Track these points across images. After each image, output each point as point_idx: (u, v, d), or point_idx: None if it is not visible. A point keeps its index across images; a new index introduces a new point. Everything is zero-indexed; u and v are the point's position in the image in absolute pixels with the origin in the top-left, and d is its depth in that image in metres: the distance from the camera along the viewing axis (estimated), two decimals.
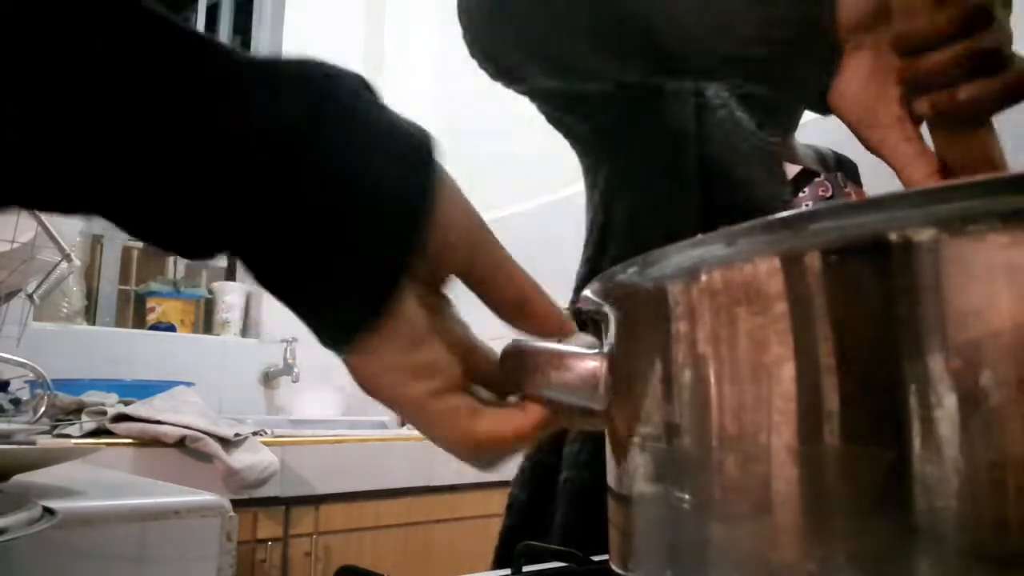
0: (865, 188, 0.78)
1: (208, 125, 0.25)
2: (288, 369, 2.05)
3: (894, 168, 0.41)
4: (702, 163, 0.67)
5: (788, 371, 0.21)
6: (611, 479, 0.29)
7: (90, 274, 2.05)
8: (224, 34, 2.46)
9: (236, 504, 0.81)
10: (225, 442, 1.32)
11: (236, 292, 2.14)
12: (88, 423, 1.36)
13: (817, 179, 0.74)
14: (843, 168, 0.79)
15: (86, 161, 0.24)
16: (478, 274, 0.31)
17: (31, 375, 1.23)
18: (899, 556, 0.19)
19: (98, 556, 0.68)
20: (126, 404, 1.40)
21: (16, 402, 1.34)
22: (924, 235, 0.19)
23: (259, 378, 2.10)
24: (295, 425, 1.88)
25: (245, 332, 2.17)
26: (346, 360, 0.29)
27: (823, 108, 0.43)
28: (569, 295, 0.69)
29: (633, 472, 0.27)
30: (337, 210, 0.26)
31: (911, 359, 0.19)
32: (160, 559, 0.71)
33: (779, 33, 0.41)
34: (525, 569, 0.50)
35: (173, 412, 1.36)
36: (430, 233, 0.28)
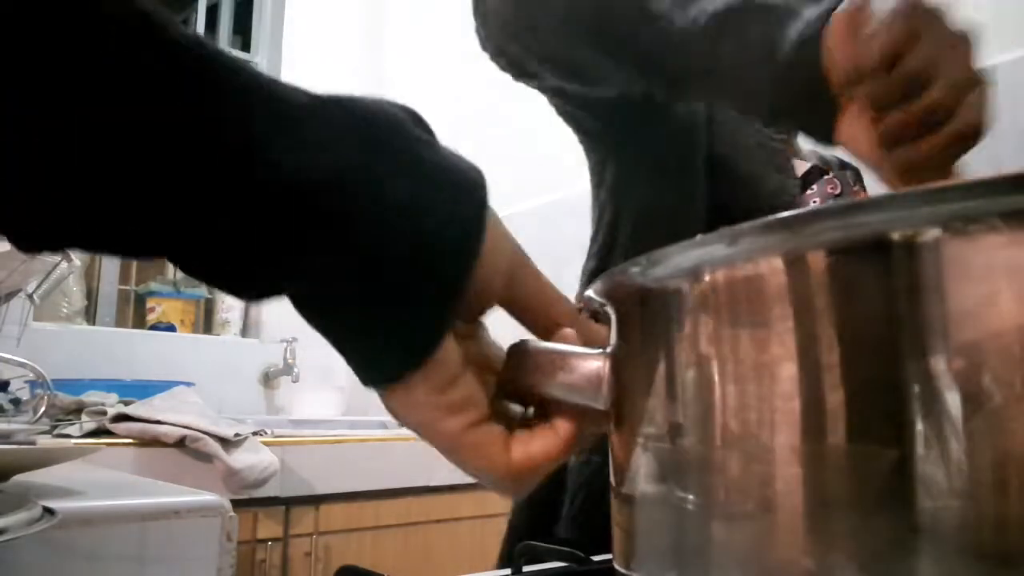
0: (870, 192, 0.79)
1: (260, 178, 0.25)
2: (288, 369, 2.05)
3: None
4: (710, 160, 0.67)
5: (790, 370, 0.21)
6: (614, 479, 0.29)
7: (90, 274, 2.05)
8: (224, 34, 2.45)
9: (236, 504, 0.81)
10: (225, 442, 1.32)
11: None
12: (88, 423, 1.36)
13: (827, 176, 0.74)
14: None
15: (141, 204, 0.24)
16: (517, 304, 0.31)
17: (31, 375, 1.23)
18: (902, 555, 0.19)
19: (98, 556, 0.68)
20: (126, 404, 1.40)
21: (16, 402, 1.34)
22: (926, 235, 0.19)
23: (259, 378, 2.10)
24: (295, 425, 1.88)
25: (245, 332, 2.17)
26: (381, 394, 0.29)
27: (830, 143, 0.49)
28: (568, 295, 0.69)
29: (636, 472, 0.27)
30: (390, 258, 0.26)
31: (913, 358, 0.19)
32: (160, 559, 0.71)
33: (790, 92, 0.48)
34: (525, 569, 0.50)
35: (173, 412, 1.36)
36: (475, 274, 0.28)
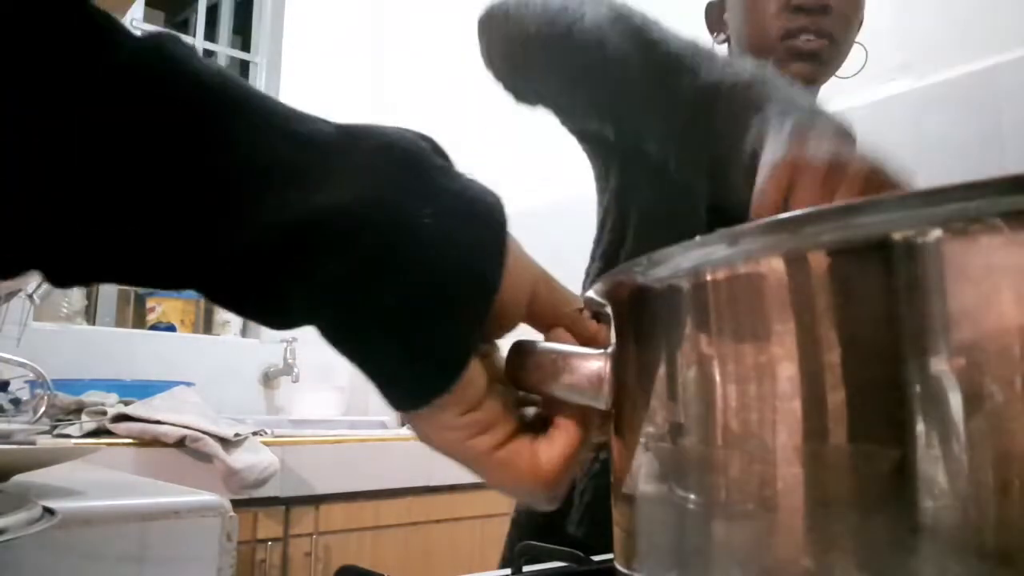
0: None
1: (286, 211, 0.25)
2: (288, 369, 2.05)
3: None
4: (711, 162, 0.68)
5: (791, 370, 0.21)
6: (615, 478, 0.29)
7: None
8: (224, 34, 2.45)
9: (236, 504, 0.81)
10: (225, 442, 1.32)
11: None
12: (88, 423, 1.36)
13: None
14: None
15: (168, 237, 0.25)
16: (543, 322, 0.32)
17: (31, 375, 1.23)
18: (902, 555, 0.19)
19: (98, 556, 0.68)
20: (126, 404, 1.40)
21: (16, 402, 1.34)
22: (926, 235, 0.19)
23: (259, 378, 2.10)
24: (295, 425, 1.89)
25: (245, 332, 2.17)
26: (410, 419, 0.29)
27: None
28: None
29: (637, 471, 0.27)
30: (416, 290, 0.27)
31: (913, 359, 0.19)
32: (160, 559, 0.71)
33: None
34: (525, 569, 0.51)
35: (173, 412, 1.36)
36: (498, 298, 0.28)
